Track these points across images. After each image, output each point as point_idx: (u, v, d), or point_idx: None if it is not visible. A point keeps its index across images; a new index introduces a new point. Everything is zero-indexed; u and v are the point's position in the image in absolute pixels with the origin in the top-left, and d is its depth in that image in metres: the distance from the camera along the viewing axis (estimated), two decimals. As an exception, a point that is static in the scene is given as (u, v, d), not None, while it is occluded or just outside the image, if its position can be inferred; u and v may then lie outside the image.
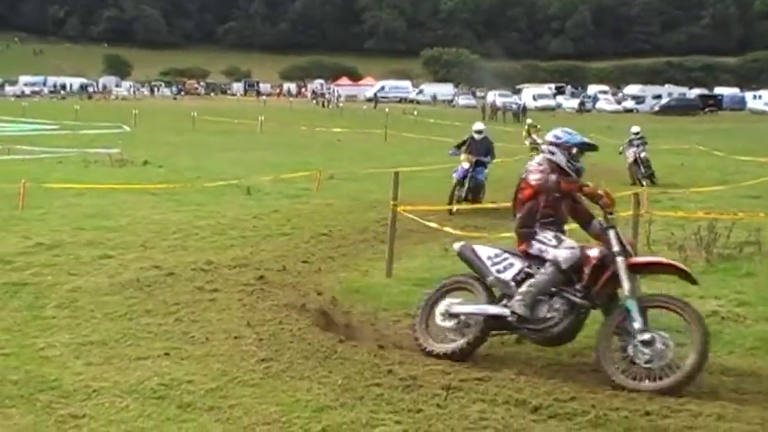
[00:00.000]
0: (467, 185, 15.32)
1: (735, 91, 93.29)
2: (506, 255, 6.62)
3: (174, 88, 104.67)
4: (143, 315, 7.53)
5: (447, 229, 11.22)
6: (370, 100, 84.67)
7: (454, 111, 71.44)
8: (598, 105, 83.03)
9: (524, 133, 32.06)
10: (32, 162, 22.94)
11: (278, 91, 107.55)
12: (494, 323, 6.49)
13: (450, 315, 6.60)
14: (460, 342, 6.44)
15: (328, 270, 9.93)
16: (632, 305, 6.00)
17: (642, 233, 10.10)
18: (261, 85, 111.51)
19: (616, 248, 6.14)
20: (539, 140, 30.91)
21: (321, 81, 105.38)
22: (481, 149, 15.75)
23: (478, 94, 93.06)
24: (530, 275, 6.41)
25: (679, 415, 5.32)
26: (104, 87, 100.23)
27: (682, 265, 6.44)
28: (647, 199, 12.78)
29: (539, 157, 6.73)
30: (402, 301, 8.28)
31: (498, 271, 6.54)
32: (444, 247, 11.29)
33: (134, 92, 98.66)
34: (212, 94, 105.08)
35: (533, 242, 6.49)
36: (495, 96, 74.28)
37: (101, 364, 6.14)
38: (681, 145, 32.68)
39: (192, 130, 40.14)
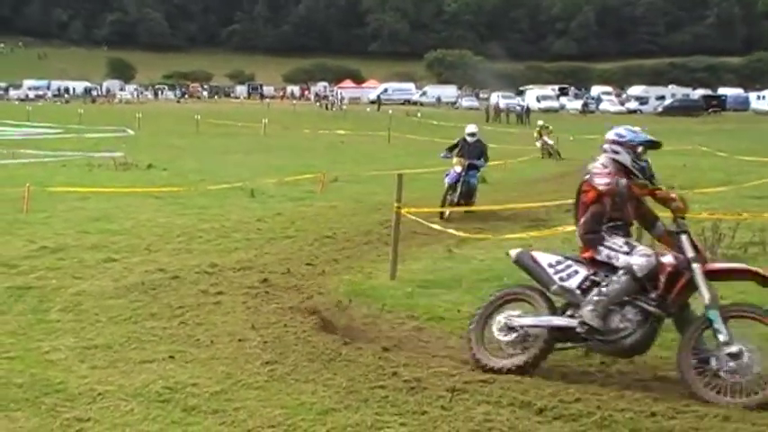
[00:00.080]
0: (459, 190, 14.84)
1: (738, 91, 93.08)
2: (569, 261, 6.30)
3: (177, 91, 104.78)
4: (148, 318, 7.54)
5: (451, 230, 11.22)
6: (373, 102, 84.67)
7: (457, 113, 71.44)
8: (601, 106, 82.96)
9: (536, 134, 31.69)
10: (37, 166, 23.00)
11: (281, 94, 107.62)
12: (559, 335, 6.16)
13: (509, 328, 6.24)
14: (524, 357, 6.11)
15: (332, 272, 9.93)
16: (715, 316, 5.71)
17: (646, 234, 10.07)
18: (264, 87, 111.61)
19: (691, 254, 5.86)
20: (550, 142, 30.79)
21: (324, 84, 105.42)
22: (474, 153, 15.33)
23: (482, 95, 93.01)
24: (595, 283, 6.11)
25: (685, 416, 5.30)
26: (108, 91, 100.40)
27: (762, 271, 6.01)
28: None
29: (602, 158, 6.33)
30: (406, 304, 8.28)
31: (562, 279, 6.21)
32: (448, 249, 11.31)
33: (138, 95, 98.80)
34: (216, 97, 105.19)
35: (601, 248, 6.15)
36: (498, 98, 74.22)
37: (105, 367, 6.14)
38: (684, 146, 32.67)
39: (195, 134, 40.21)
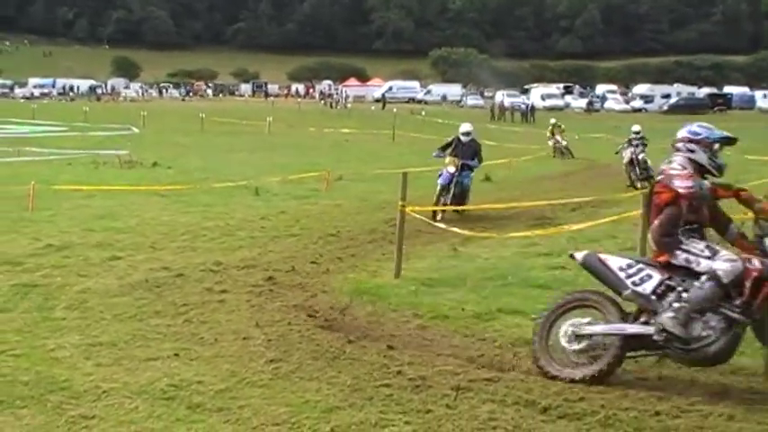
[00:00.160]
0: (452, 191, 14.33)
1: (744, 90, 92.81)
2: (641, 265, 6.05)
3: (182, 89, 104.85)
4: (152, 316, 7.56)
5: (455, 229, 11.21)
6: (378, 100, 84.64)
7: (462, 111, 71.35)
8: (606, 105, 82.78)
9: (548, 133, 31.13)
10: (42, 164, 23.02)
11: (286, 92, 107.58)
12: (633, 343, 5.93)
13: (577, 336, 5.99)
14: (596, 367, 5.87)
15: (337, 271, 9.94)
16: None
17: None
18: (269, 86, 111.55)
19: None
20: (563, 142, 30.51)
21: (329, 82, 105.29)
22: (468, 152, 14.77)
23: (486, 94, 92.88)
24: (671, 288, 5.88)
25: (689, 415, 5.30)
26: (113, 89, 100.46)
27: None
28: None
29: (679, 158, 6.04)
30: (411, 302, 8.28)
31: (634, 283, 5.95)
32: (453, 247, 11.31)
33: (142, 93, 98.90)
34: (220, 95, 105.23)
35: (678, 252, 5.89)
36: (503, 96, 74.11)
37: (110, 365, 6.16)
38: (690, 144, 32.55)
39: (200, 132, 40.21)
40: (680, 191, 5.87)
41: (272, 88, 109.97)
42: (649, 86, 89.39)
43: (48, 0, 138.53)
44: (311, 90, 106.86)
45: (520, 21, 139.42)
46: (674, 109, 74.59)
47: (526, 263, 10.40)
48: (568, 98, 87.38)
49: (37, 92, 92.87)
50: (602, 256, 6.25)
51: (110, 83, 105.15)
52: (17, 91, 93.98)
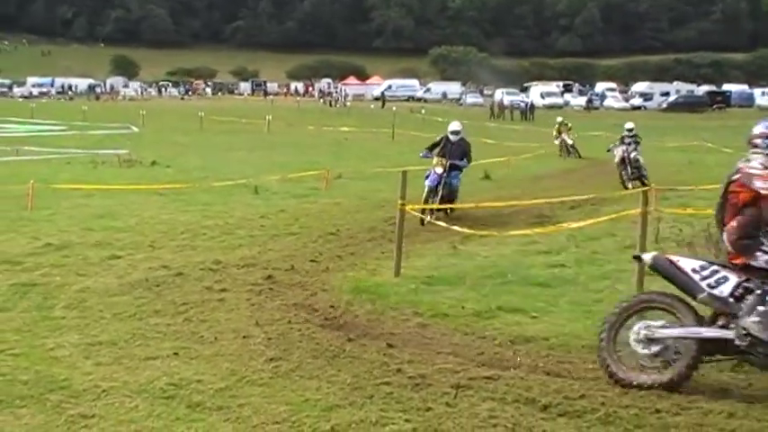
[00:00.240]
0: (440, 193, 13.70)
1: (743, 87, 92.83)
2: (715, 267, 5.82)
3: (181, 88, 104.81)
4: (152, 315, 7.55)
5: (455, 227, 11.21)
6: (377, 99, 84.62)
7: (462, 109, 71.38)
8: (606, 103, 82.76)
9: (554, 132, 30.64)
10: (41, 163, 23.02)
11: (285, 90, 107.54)
12: (710, 347, 5.71)
13: (650, 340, 5.76)
14: (671, 373, 5.67)
15: (336, 269, 9.93)
16: None
17: (651, 231, 10.06)
18: (268, 84, 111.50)
19: None
20: (569, 140, 30.29)
21: (328, 80, 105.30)
22: (456, 152, 14.21)
23: (486, 92, 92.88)
24: (749, 291, 5.65)
25: (689, 412, 5.30)
26: (112, 88, 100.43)
27: None
28: (656, 197, 12.73)
29: (760, 158, 5.77)
30: (410, 300, 8.28)
31: (710, 286, 5.72)
32: (453, 245, 11.31)
33: (141, 92, 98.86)
34: (219, 93, 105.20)
35: (759, 254, 5.66)
36: (502, 95, 74.10)
37: (110, 364, 6.16)
38: (689, 142, 32.59)
39: (199, 131, 40.20)
40: (762, 192, 5.66)
41: (272, 87, 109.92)
42: (648, 84, 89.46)
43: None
44: (310, 88, 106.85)
45: (519, 19, 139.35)
46: (673, 107, 74.73)
47: (526, 261, 10.40)
48: (568, 96, 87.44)
49: (36, 91, 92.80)
50: (673, 257, 6.05)
51: (109, 82, 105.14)
52: (16, 90, 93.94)
